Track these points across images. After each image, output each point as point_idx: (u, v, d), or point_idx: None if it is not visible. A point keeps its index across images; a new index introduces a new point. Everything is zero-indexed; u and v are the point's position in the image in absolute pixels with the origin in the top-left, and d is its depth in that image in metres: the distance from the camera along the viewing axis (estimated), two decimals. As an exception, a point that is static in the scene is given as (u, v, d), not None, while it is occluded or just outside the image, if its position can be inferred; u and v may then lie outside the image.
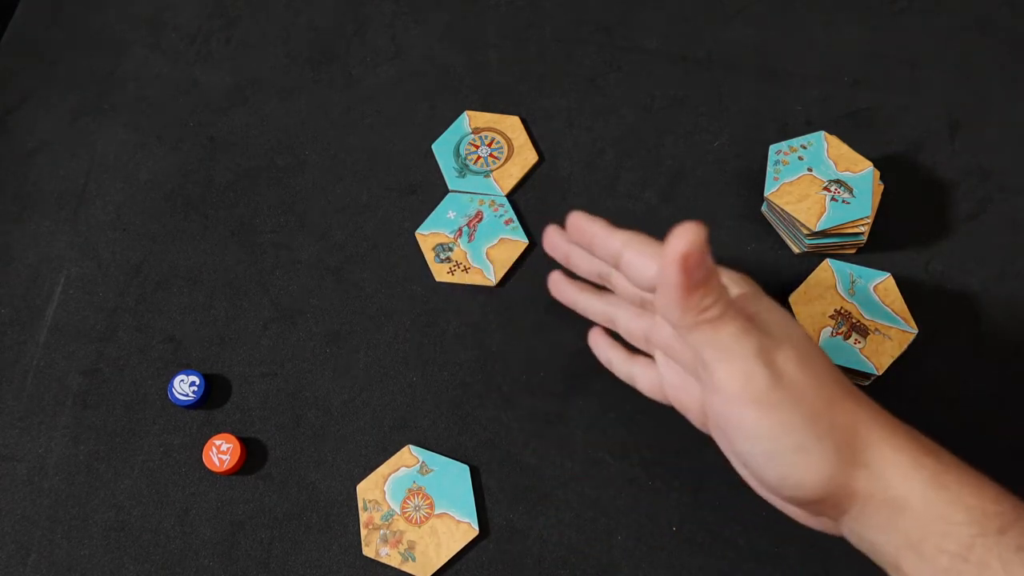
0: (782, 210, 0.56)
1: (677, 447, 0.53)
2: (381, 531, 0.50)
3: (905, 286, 0.54)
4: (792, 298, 0.54)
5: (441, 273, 0.58)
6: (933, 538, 0.33)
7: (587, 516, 0.51)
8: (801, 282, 0.54)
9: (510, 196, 0.61)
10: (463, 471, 0.52)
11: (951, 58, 0.65)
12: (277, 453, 0.54)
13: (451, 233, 0.59)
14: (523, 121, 0.64)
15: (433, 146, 0.63)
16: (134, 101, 0.67)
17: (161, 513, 0.52)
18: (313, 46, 0.69)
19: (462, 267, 0.58)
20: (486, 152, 0.62)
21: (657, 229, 0.59)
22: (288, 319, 0.58)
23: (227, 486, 0.53)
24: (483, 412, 0.54)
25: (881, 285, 0.54)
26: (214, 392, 0.55)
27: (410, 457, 0.53)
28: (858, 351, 0.51)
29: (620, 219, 0.60)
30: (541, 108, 0.65)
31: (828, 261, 0.55)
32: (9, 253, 0.61)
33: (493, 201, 0.60)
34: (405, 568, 0.49)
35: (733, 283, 0.39)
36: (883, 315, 0.53)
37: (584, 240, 0.42)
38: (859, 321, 0.52)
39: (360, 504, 0.51)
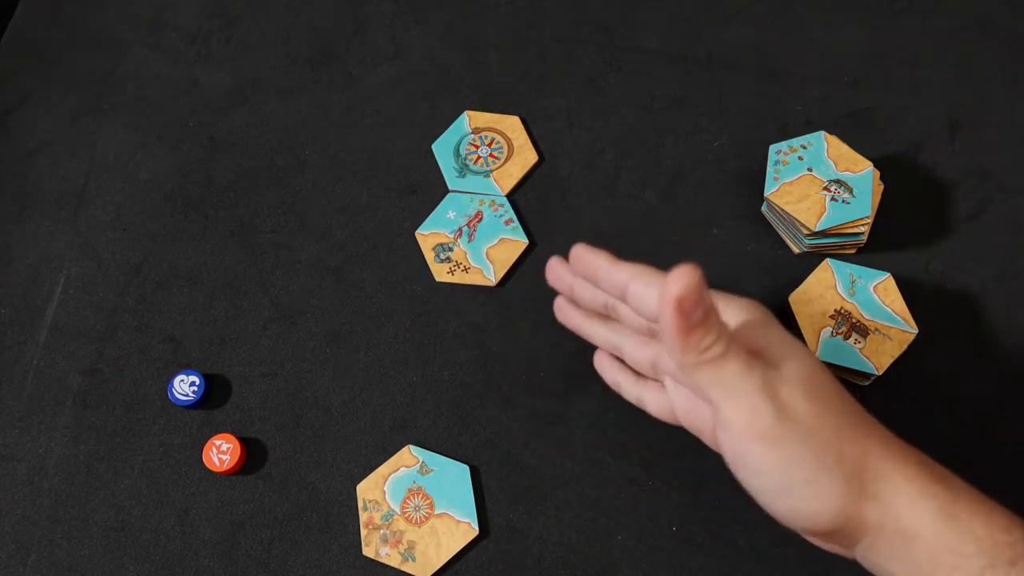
0: (782, 210, 0.56)
1: (677, 447, 0.53)
2: (381, 531, 0.50)
3: (905, 286, 0.54)
4: (792, 298, 0.54)
5: (441, 273, 0.58)
6: (943, 570, 0.32)
7: (587, 516, 0.51)
8: (801, 282, 0.54)
9: (510, 196, 0.61)
10: (463, 471, 0.52)
11: (951, 58, 0.65)
12: (277, 453, 0.54)
13: (451, 233, 0.59)
14: (523, 121, 0.64)
15: (433, 146, 0.63)
16: (134, 101, 0.67)
17: (161, 513, 0.52)
18: (313, 46, 0.69)
19: (462, 267, 0.58)
20: (486, 152, 0.62)
21: (657, 229, 0.59)
22: (288, 319, 0.58)
23: (227, 486, 0.53)
24: (483, 412, 0.54)
25: (881, 285, 0.54)
26: (214, 392, 0.55)
27: (410, 457, 0.53)
28: (858, 351, 0.51)
29: (620, 219, 0.60)
30: (541, 108, 0.65)
31: (828, 261, 0.55)
32: (9, 253, 0.61)
33: (493, 201, 0.60)
34: (405, 568, 0.49)
35: (742, 311, 0.39)
36: (883, 315, 0.53)
37: (588, 273, 0.41)
38: (859, 321, 0.52)
39: (360, 504, 0.51)
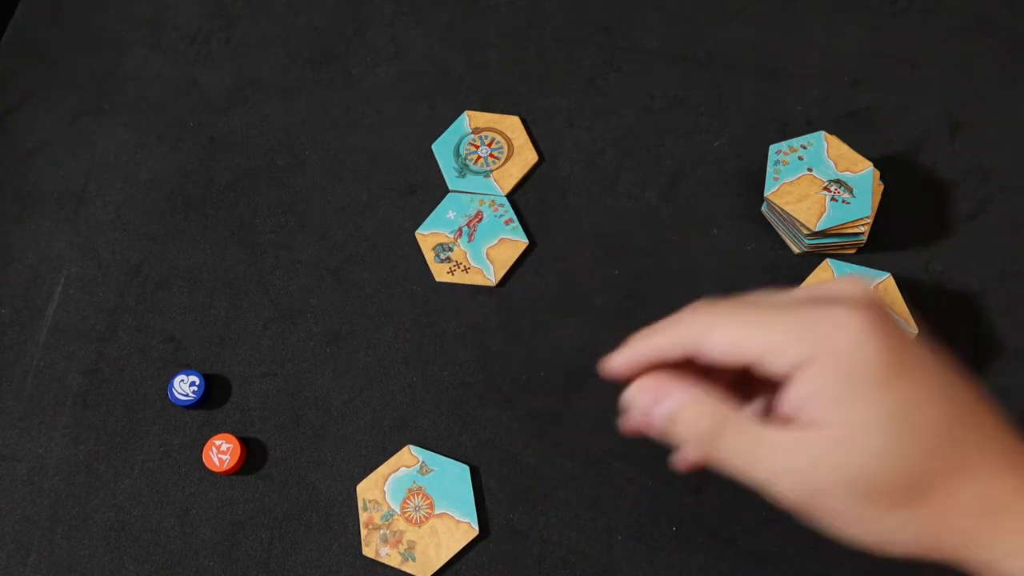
0: (782, 210, 0.56)
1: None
2: (381, 531, 0.50)
3: (905, 286, 0.54)
4: (792, 298, 0.54)
5: (441, 273, 0.58)
6: None
7: (587, 516, 0.51)
8: (801, 282, 0.54)
9: (510, 196, 0.61)
10: (463, 471, 0.52)
11: (951, 58, 0.65)
12: (277, 453, 0.54)
13: (451, 233, 0.59)
14: (523, 121, 0.64)
15: (433, 146, 0.63)
16: (134, 101, 0.67)
17: (161, 513, 0.52)
18: (313, 46, 0.69)
19: (462, 267, 0.58)
20: (486, 152, 0.62)
21: (657, 229, 0.59)
22: (288, 319, 0.58)
23: (227, 486, 0.53)
24: (483, 412, 0.54)
25: (881, 285, 0.54)
26: (214, 392, 0.55)
27: (410, 457, 0.53)
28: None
29: (620, 219, 0.60)
30: (541, 108, 0.65)
31: (828, 261, 0.55)
32: (9, 253, 0.61)
33: (493, 201, 0.60)
34: (405, 568, 0.49)
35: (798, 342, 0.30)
36: (883, 315, 0.52)
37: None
38: (859, 321, 0.52)
39: (360, 504, 0.51)
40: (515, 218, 0.60)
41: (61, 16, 0.72)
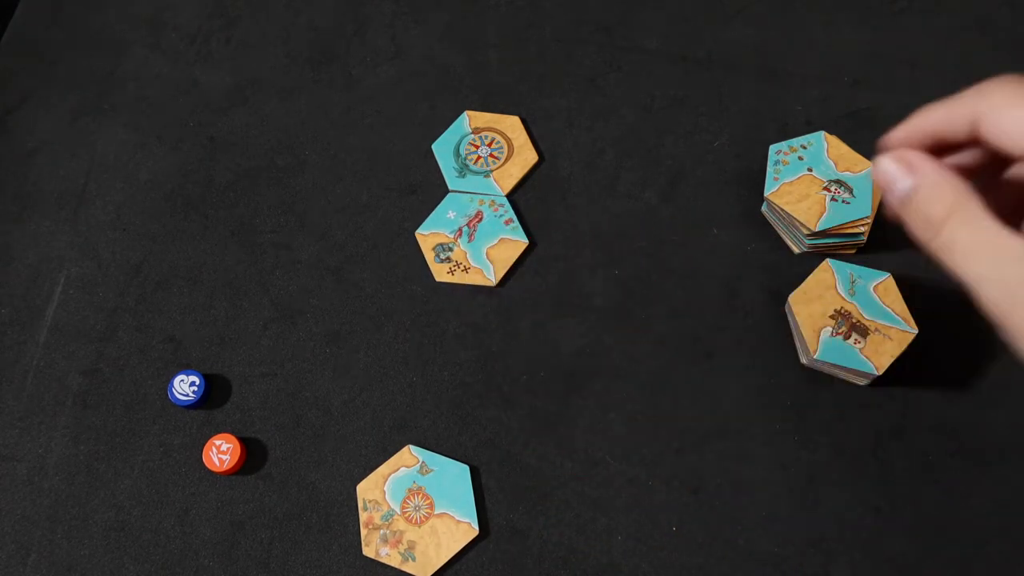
0: (782, 210, 0.56)
1: (677, 447, 0.53)
2: (381, 531, 0.50)
3: (905, 286, 0.54)
4: (792, 298, 0.54)
5: (441, 273, 0.58)
6: None
7: (587, 516, 0.51)
8: (801, 282, 0.54)
9: (510, 196, 0.61)
10: (463, 471, 0.52)
11: (951, 58, 0.65)
12: (277, 453, 0.54)
13: (451, 233, 0.59)
14: (523, 121, 0.64)
15: (433, 146, 0.63)
16: (134, 101, 0.67)
17: (161, 513, 0.52)
18: (313, 46, 0.69)
19: (462, 267, 0.58)
20: (486, 152, 0.62)
21: (657, 229, 0.59)
22: (288, 319, 0.58)
23: (227, 486, 0.53)
24: (483, 412, 0.54)
25: (881, 285, 0.54)
26: (214, 392, 0.55)
27: (410, 457, 0.53)
28: (858, 351, 0.51)
29: (620, 219, 0.60)
30: (541, 108, 0.65)
31: (828, 261, 0.55)
32: (9, 253, 0.61)
33: (493, 201, 0.60)
34: (405, 568, 0.49)
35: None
36: (883, 315, 0.52)
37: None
38: (859, 321, 0.52)
39: (360, 504, 0.51)
40: (515, 218, 0.60)
41: (61, 16, 0.72)
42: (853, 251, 0.57)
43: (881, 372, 0.51)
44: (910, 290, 0.54)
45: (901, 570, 0.49)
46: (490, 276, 0.58)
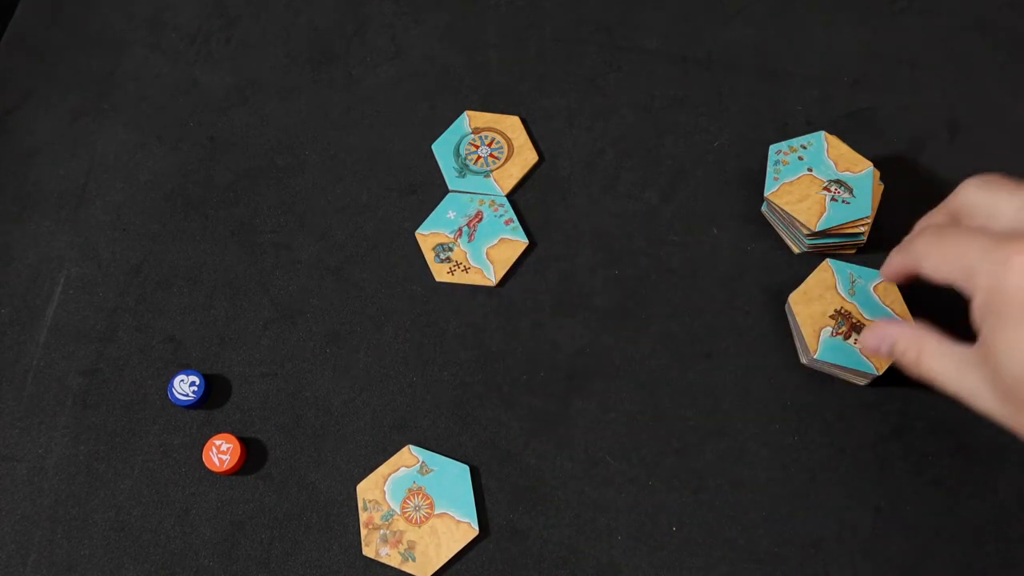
0: (782, 210, 0.56)
1: (677, 447, 0.53)
2: (381, 531, 0.50)
3: (905, 286, 0.54)
4: (792, 298, 0.54)
5: (441, 273, 0.58)
6: None
7: (587, 516, 0.51)
8: (801, 282, 0.54)
9: (510, 196, 0.61)
10: (463, 471, 0.52)
11: (951, 58, 0.65)
12: (277, 453, 0.54)
13: (451, 233, 0.59)
14: (523, 121, 0.64)
15: (433, 146, 0.63)
16: (134, 101, 0.67)
17: (161, 513, 0.52)
18: (313, 46, 0.69)
19: (462, 267, 0.58)
20: (486, 152, 0.63)
21: (657, 229, 0.60)
22: (288, 319, 0.58)
23: (227, 486, 0.53)
24: (483, 412, 0.54)
25: (881, 285, 0.54)
26: (214, 392, 0.55)
27: (410, 457, 0.53)
28: (858, 351, 0.51)
29: (620, 219, 0.60)
30: (541, 108, 0.65)
31: (828, 261, 0.55)
32: (9, 253, 0.61)
33: (493, 201, 0.60)
34: (405, 568, 0.49)
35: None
36: (883, 315, 0.53)
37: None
38: (859, 321, 0.52)
39: (360, 504, 0.51)
40: (515, 218, 0.60)
41: (61, 16, 0.72)
42: (853, 251, 0.57)
43: (881, 372, 0.51)
44: (910, 290, 0.54)
45: (901, 570, 0.49)
46: (490, 276, 0.58)
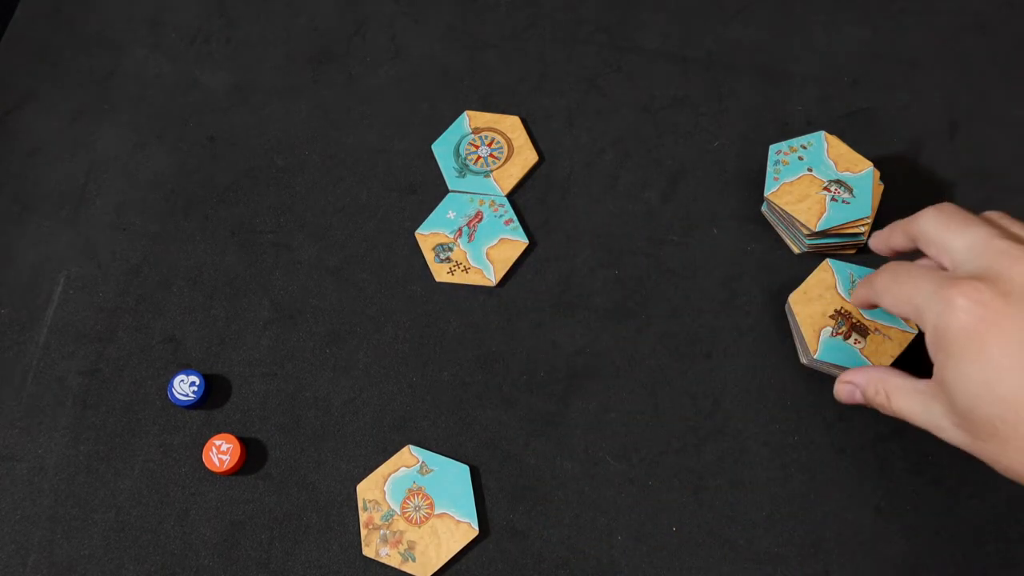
0: (782, 210, 0.56)
1: (677, 447, 0.53)
2: (381, 531, 0.51)
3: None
4: (792, 298, 0.54)
5: (441, 273, 0.58)
6: None
7: (587, 516, 0.51)
8: (801, 282, 0.54)
9: (510, 196, 0.61)
10: (463, 471, 0.52)
11: (951, 58, 0.65)
12: (277, 453, 0.54)
13: (451, 233, 0.59)
14: (523, 121, 0.64)
15: (433, 146, 0.63)
16: (134, 101, 0.67)
17: (161, 513, 0.52)
18: (313, 46, 0.69)
19: (462, 267, 0.58)
20: (486, 152, 0.63)
21: (657, 229, 0.60)
22: (288, 319, 0.58)
23: (227, 486, 0.53)
24: (483, 412, 0.54)
25: (881, 285, 0.54)
26: (214, 392, 0.55)
27: (410, 457, 0.53)
28: (858, 351, 0.51)
29: (620, 219, 0.60)
30: (541, 108, 0.65)
31: (828, 261, 0.55)
32: (9, 253, 0.61)
33: (493, 201, 0.60)
34: (405, 568, 0.49)
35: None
36: (883, 315, 0.53)
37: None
38: (859, 321, 0.52)
39: (360, 504, 0.51)
40: (515, 218, 0.60)
41: (61, 16, 0.72)
42: (853, 251, 0.57)
43: (881, 372, 0.51)
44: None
45: (901, 570, 0.49)
46: (490, 276, 0.58)
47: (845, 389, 0.48)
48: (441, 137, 0.63)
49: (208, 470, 0.53)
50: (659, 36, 0.67)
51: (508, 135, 0.63)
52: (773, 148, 0.58)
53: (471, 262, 0.58)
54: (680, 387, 0.54)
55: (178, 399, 0.54)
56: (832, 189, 0.55)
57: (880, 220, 0.57)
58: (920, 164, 0.61)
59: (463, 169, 0.62)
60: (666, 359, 0.55)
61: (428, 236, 0.60)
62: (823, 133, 0.58)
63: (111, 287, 0.59)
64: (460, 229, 0.60)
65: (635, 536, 0.50)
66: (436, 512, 0.51)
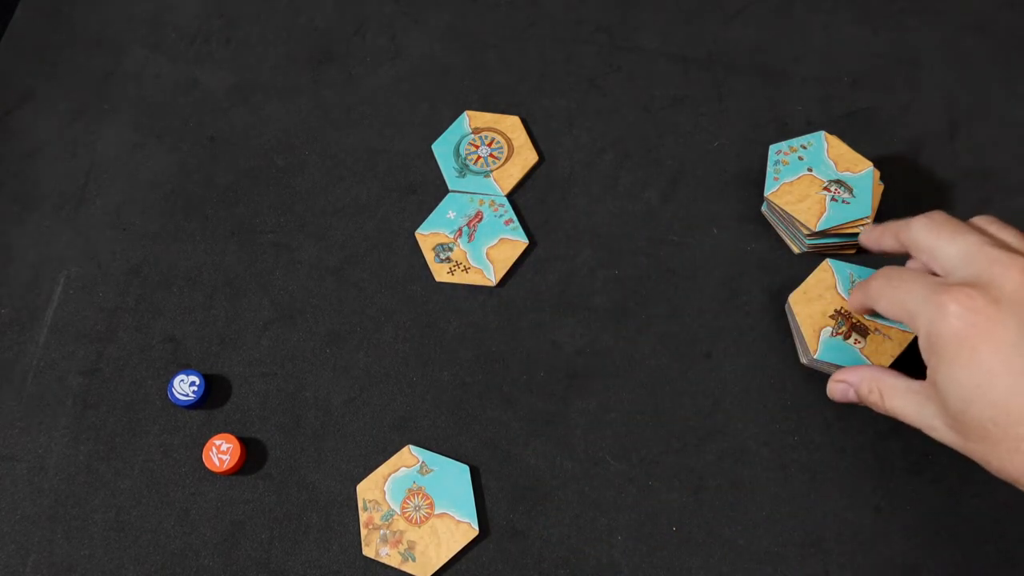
0: (782, 210, 0.56)
1: (677, 447, 0.53)
2: (381, 531, 0.51)
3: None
4: (792, 298, 0.54)
5: (441, 273, 0.58)
6: None
7: (587, 516, 0.51)
8: (801, 282, 0.54)
9: (510, 196, 0.61)
10: (463, 471, 0.52)
11: (951, 58, 0.65)
12: (277, 453, 0.54)
13: (451, 233, 0.59)
14: (523, 121, 0.64)
15: (433, 146, 0.63)
16: (134, 101, 0.67)
17: (161, 513, 0.52)
18: (313, 46, 0.69)
19: (462, 267, 0.58)
20: (486, 152, 0.63)
21: (657, 229, 0.60)
22: (288, 319, 0.58)
23: (227, 486, 0.53)
24: (483, 412, 0.54)
25: (881, 285, 0.54)
26: (214, 392, 0.55)
27: (410, 457, 0.53)
28: (858, 351, 0.51)
29: (620, 219, 0.60)
30: (541, 108, 0.65)
31: (828, 261, 0.55)
32: (9, 253, 0.61)
33: (493, 201, 0.60)
34: (405, 568, 0.49)
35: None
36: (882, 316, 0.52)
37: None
38: (859, 321, 0.52)
39: (360, 504, 0.51)
40: (515, 218, 0.60)
41: (61, 16, 0.72)
42: (853, 251, 0.57)
43: (881, 372, 0.51)
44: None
45: (901, 570, 0.49)
46: (490, 276, 0.58)
47: (839, 388, 0.49)
48: (441, 137, 0.63)
49: (208, 470, 0.53)
50: (659, 36, 0.67)
51: (508, 135, 0.63)
52: (773, 148, 0.58)
53: (471, 262, 0.58)
54: (680, 387, 0.54)
55: (178, 399, 0.54)
56: (832, 189, 0.55)
57: (880, 220, 0.57)
58: (920, 164, 0.61)
59: (463, 169, 0.62)
60: (666, 359, 0.55)
61: (428, 236, 0.60)
62: (823, 133, 0.58)
63: (111, 287, 0.59)
64: (460, 229, 0.60)
65: (635, 536, 0.50)
66: (436, 512, 0.51)
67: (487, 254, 0.58)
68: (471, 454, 0.53)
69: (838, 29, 0.67)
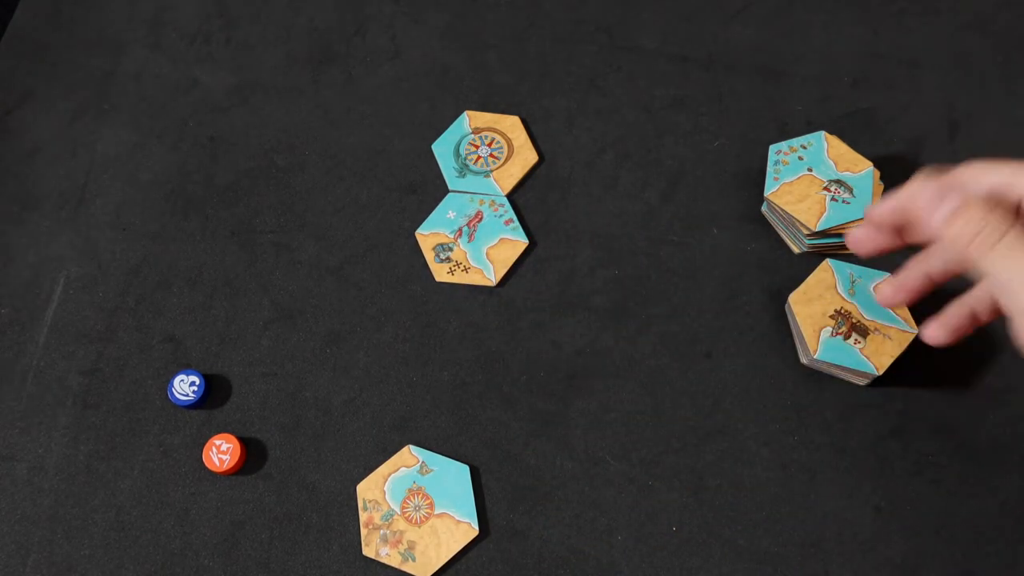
0: (782, 210, 0.56)
1: (677, 447, 0.53)
2: (381, 531, 0.50)
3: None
4: (792, 298, 0.54)
5: (441, 273, 0.58)
6: None
7: (587, 516, 0.51)
8: (801, 282, 0.54)
9: (510, 196, 0.61)
10: (463, 471, 0.52)
11: (951, 58, 0.65)
12: (277, 453, 0.54)
13: (451, 233, 0.59)
14: (523, 121, 0.64)
15: (433, 146, 0.63)
16: (134, 101, 0.67)
17: (161, 513, 0.52)
18: (313, 46, 0.69)
19: (462, 267, 0.58)
20: (486, 152, 0.63)
21: (657, 229, 0.59)
22: (288, 319, 0.58)
23: (227, 486, 0.53)
24: (483, 412, 0.54)
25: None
26: (214, 392, 0.55)
27: (410, 457, 0.53)
28: (858, 351, 0.51)
29: (620, 219, 0.60)
30: (541, 108, 0.65)
31: (828, 261, 0.55)
32: (9, 253, 0.61)
33: (493, 201, 0.60)
34: (405, 568, 0.49)
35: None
36: (883, 315, 0.53)
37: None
38: (859, 321, 0.52)
39: (360, 504, 0.51)
40: (515, 218, 0.60)
41: (61, 16, 0.72)
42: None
43: (881, 372, 0.51)
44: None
45: (901, 570, 0.49)
46: (490, 276, 0.58)
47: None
48: (441, 137, 0.63)
49: (208, 470, 0.53)
50: (659, 36, 0.67)
51: (508, 135, 0.63)
52: (773, 148, 0.58)
53: (471, 262, 0.58)
54: (680, 387, 0.54)
55: (178, 399, 0.54)
56: (832, 189, 0.55)
57: (880, 220, 0.57)
58: (920, 164, 0.61)
59: (463, 169, 0.62)
60: (666, 359, 0.55)
61: (428, 236, 0.60)
62: (823, 133, 0.58)
63: (111, 287, 0.59)
64: (460, 229, 0.60)
65: (635, 536, 0.50)
66: (436, 512, 0.51)
67: (487, 254, 0.58)
68: (471, 454, 0.53)
69: (838, 29, 0.67)
